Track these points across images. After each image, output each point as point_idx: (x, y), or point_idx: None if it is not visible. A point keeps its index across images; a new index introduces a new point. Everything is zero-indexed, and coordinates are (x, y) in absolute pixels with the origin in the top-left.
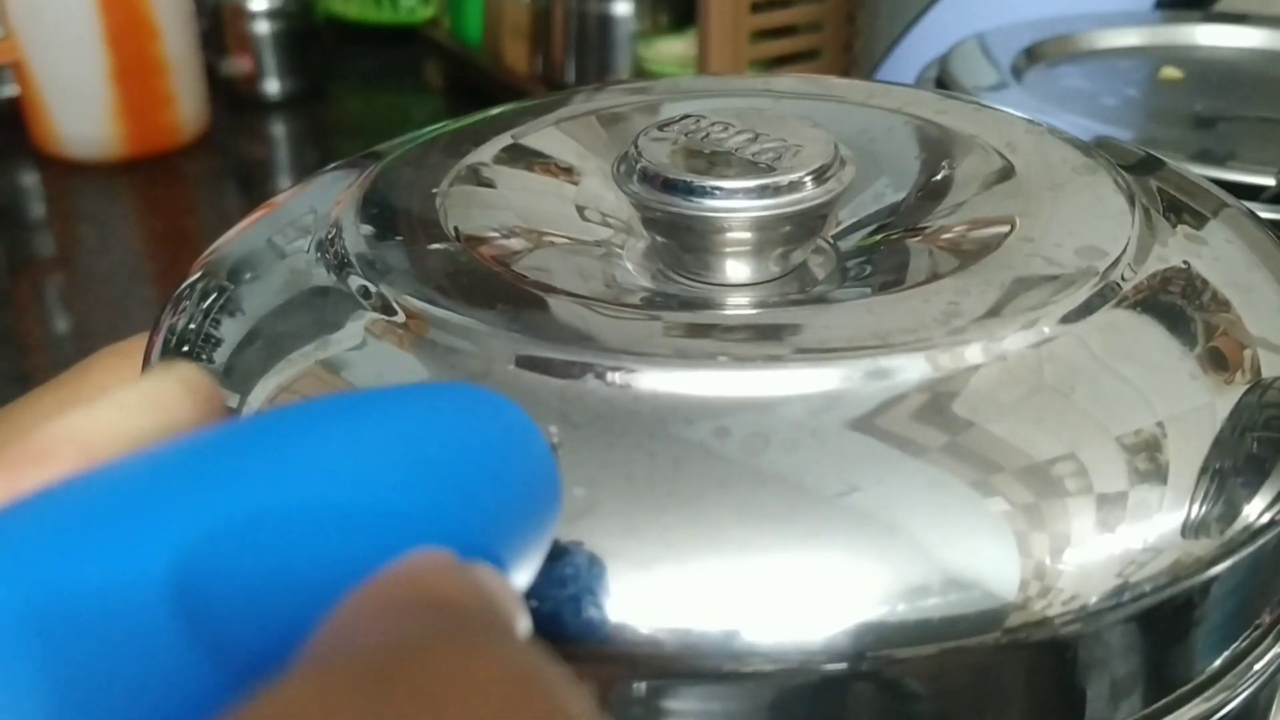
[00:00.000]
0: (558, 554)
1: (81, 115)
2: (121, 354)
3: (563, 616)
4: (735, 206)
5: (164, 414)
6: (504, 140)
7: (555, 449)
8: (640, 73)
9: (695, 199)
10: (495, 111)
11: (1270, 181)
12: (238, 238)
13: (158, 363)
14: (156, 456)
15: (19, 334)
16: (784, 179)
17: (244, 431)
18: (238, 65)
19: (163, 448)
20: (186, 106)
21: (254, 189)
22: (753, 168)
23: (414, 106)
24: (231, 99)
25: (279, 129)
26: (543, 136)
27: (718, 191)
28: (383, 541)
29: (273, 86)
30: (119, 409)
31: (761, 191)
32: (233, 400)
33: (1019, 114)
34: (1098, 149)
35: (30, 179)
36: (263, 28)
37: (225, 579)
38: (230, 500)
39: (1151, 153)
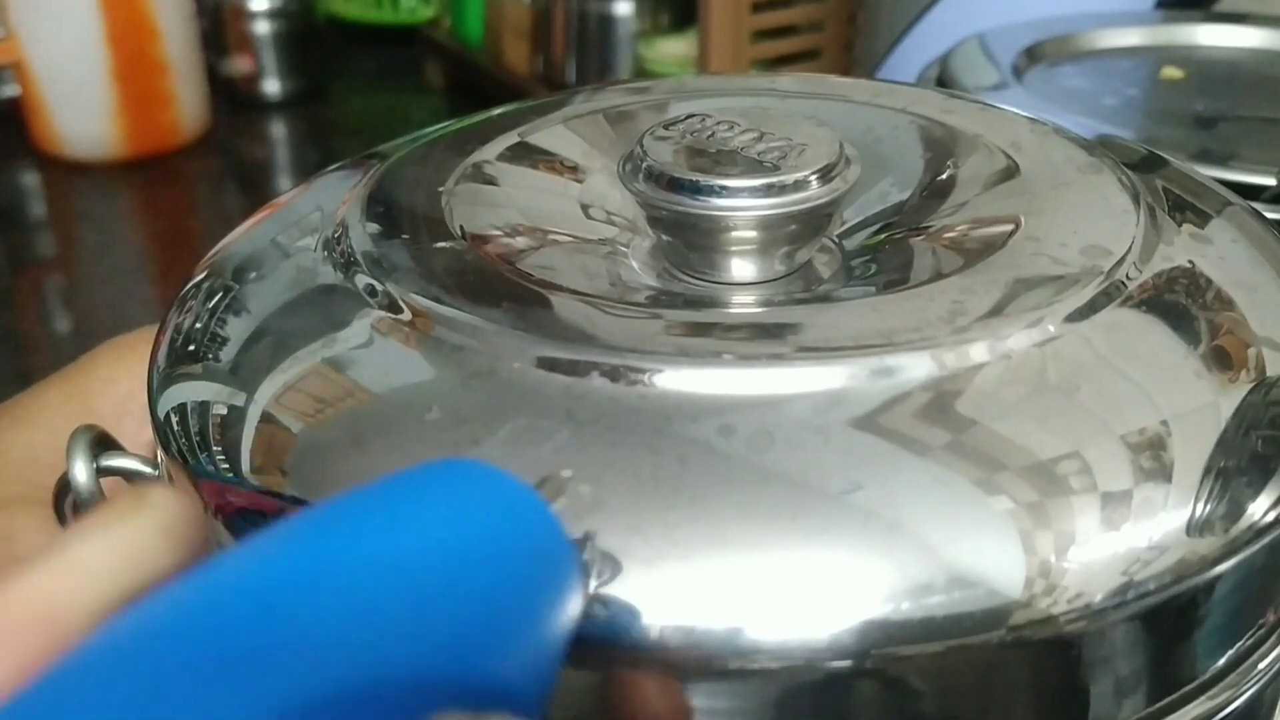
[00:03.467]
0: None
1: (82, 115)
2: (127, 347)
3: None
4: (740, 205)
5: (140, 572)
6: (509, 139)
7: (564, 488)
8: (641, 73)
9: (701, 198)
10: (499, 111)
11: (1271, 181)
12: (241, 238)
13: (130, 490)
14: (148, 635)
15: (19, 334)
16: (789, 178)
17: (243, 593)
18: (238, 65)
19: (151, 620)
20: (187, 106)
21: (254, 189)
22: (758, 166)
23: (414, 106)
24: (232, 99)
25: (279, 129)
26: (548, 135)
27: (723, 190)
28: (406, 700)
29: (273, 86)
30: (90, 575)
31: (767, 190)
32: (239, 398)
33: (1023, 113)
34: (1102, 148)
35: (30, 179)
36: (263, 28)
37: None
38: (252, 687)
39: (1155, 151)
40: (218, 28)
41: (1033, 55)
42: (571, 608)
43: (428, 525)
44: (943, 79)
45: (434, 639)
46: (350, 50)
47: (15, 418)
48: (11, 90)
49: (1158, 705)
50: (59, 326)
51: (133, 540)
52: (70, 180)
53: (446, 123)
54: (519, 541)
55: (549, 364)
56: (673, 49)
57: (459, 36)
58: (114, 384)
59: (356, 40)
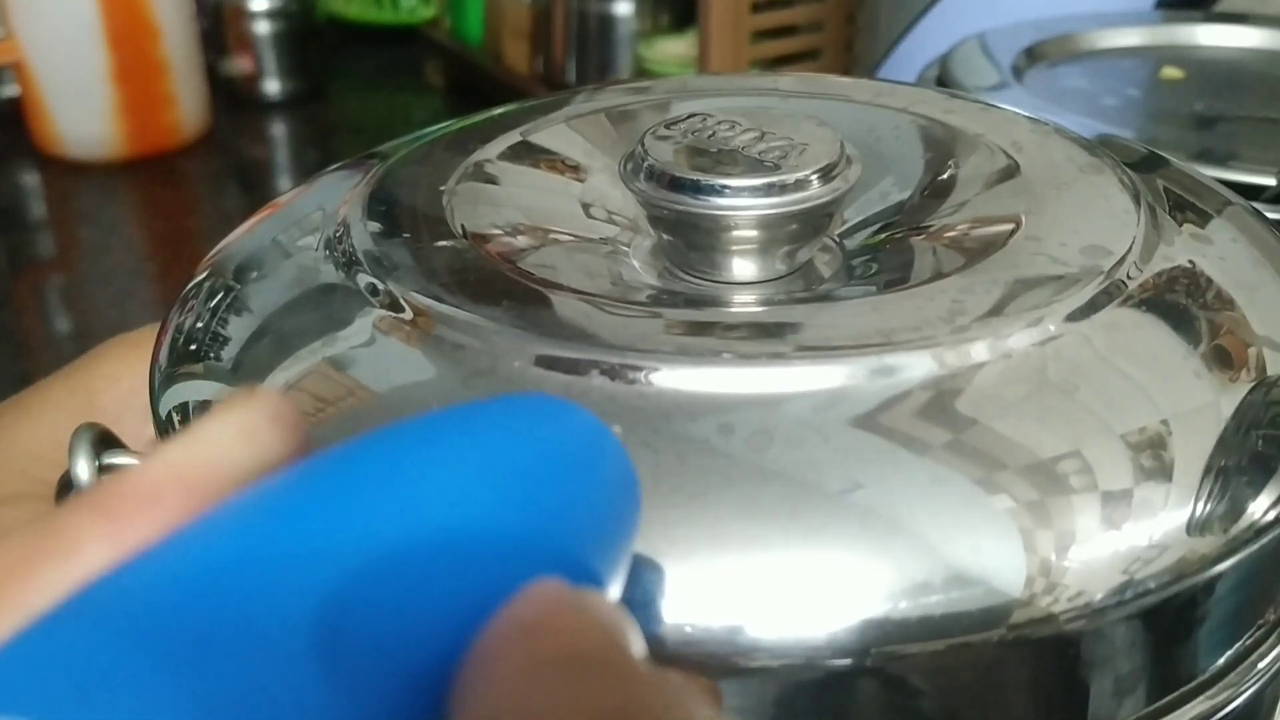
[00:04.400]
0: None
1: (82, 115)
2: (131, 344)
3: None
4: (741, 204)
5: (258, 448)
6: (511, 138)
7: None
8: (641, 73)
9: (702, 197)
10: (500, 110)
11: (1271, 181)
12: (243, 237)
13: (235, 391)
14: (272, 500)
15: (19, 334)
16: (790, 177)
17: (349, 467)
18: (238, 65)
19: (272, 490)
20: (187, 107)
21: (254, 189)
22: (759, 166)
23: (414, 106)
24: (232, 99)
25: (279, 129)
26: (549, 135)
27: (724, 190)
28: (501, 570)
29: (273, 86)
30: (215, 446)
31: (768, 190)
32: None
33: (1024, 113)
34: (1103, 147)
35: (30, 179)
36: (263, 28)
37: (362, 623)
38: (357, 544)
39: (1156, 151)
40: (218, 28)
41: (1033, 55)
42: (635, 518)
43: (511, 433)
44: (943, 79)
45: (522, 522)
46: (350, 50)
47: (18, 414)
48: (11, 90)
49: (1158, 704)
50: (59, 326)
51: (249, 422)
52: (70, 180)
53: (447, 122)
54: (602, 455)
55: (548, 362)
56: (673, 49)
57: (459, 36)
58: (117, 381)
59: (356, 40)
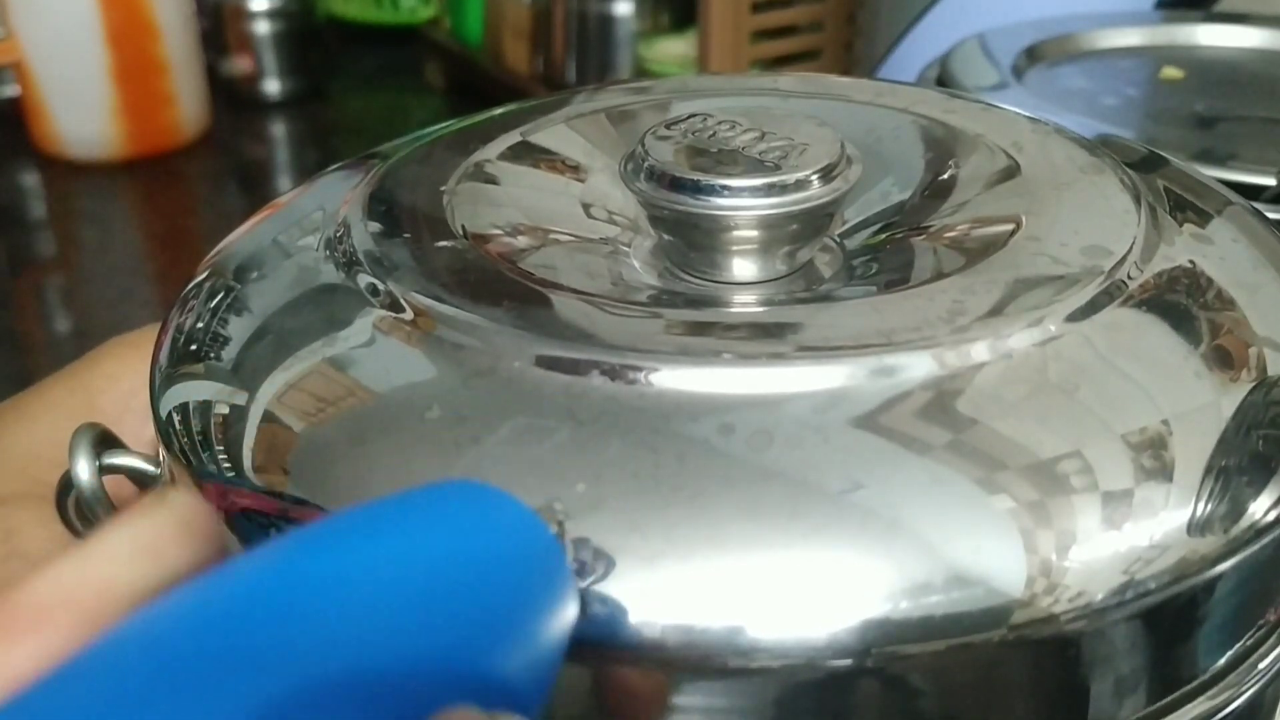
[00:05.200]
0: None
1: (82, 115)
2: (131, 345)
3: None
4: (742, 205)
5: (160, 563)
6: (511, 138)
7: (562, 525)
8: (641, 73)
9: (702, 197)
10: (500, 111)
11: (1271, 181)
12: (243, 237)
13: (151, 493)
14: (169, 628)
15: (19, 334)
16: (790, 177)
17: (256, 590)
18: (238, 65)
19: (172, 615)
20: (187, 106)
21: (255, 189)
22: (759, 166)
23: (414, 106)
24: (232, 99)
25: (279, 129)
26: (550, 135)
27: (724, 190)
28: (417, 697)
29: (273, 86)
30: (112, 562)
31: (768, 190)
32: (241, 398)
33: (1025, 113)
34: (1103, 148)
35: (30, 179)
36: (263, 28)
37: None
38: (269, 681)
39: (1156, 150)
40: (218, 28)
41: (1033, 55)
42: (568, 618)
43: (433, 537)
44: (943, 79)
45: (438, 641)
46: (350, 50)
47: (19, 415)
48: (11, 90)
49: (1158, 704)
50: (59, 326)
51: (153, 535)
52: (70, 180)
53: (448, 122)
54: (518, 554)
55: (549, 363)
56: (673, 49)
57: (459, 36)
58: (117, 381)
59: (356, 40)
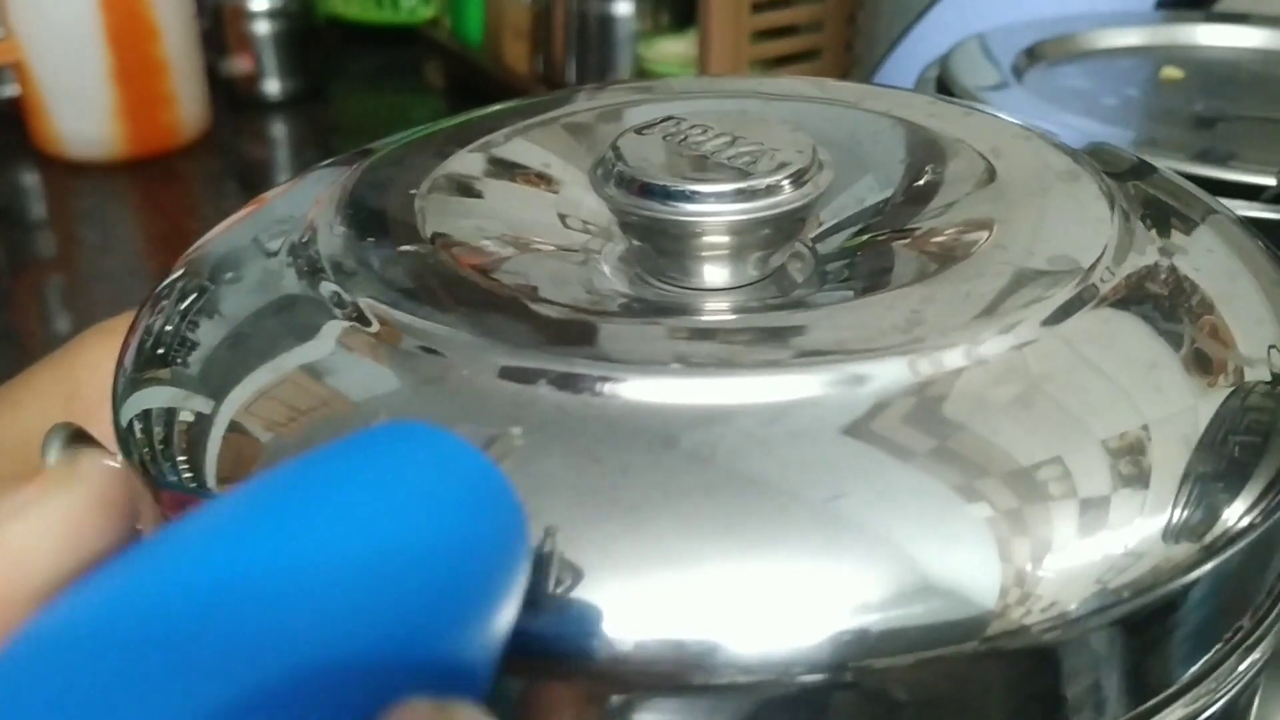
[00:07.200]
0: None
1: (82, 115)
2: (110, 331)
3: (529, 630)
4: (711, 210)
5: (78, 543)
6: (488, 142)
7: (511, 446)
8: (641, 73)
9: (671, 203)
10: (482, 112)
11: (1271, 181)
12: (223, 234)
13: (59, 461)
14: (85, 630)
15: (19, 334)
16: (761, 183)
17: (189, 559)
18: (238, 65)
19: (86, 614)
20: (187, 106)
21: (254, 189)
22: (730, 171)
23: (414, 106)
24: (232, 99)
25: (279, 129)
26: (526, 140)
27: (694, 195)
28: (366, 684)
29: (273, 86)
30: (23, 552)
31: (737, 195)
32: (205, 406)
33: (1013, 119)
34: (1089, 155)
35: (30, 179)
36: (263, 28)
37: None
38: (207, 687)
39: (1144, 159)
40: (218, 28)
41: (1033, 55)
42: (521, 575)
43: (372, 495)
44: (943, 79)
45: (385, 614)
46: (350, 50)
47: (9, 403)
48: (11, 90)
49: (1135, 711)
50: (59, 326)
51: (68, 514)
52: (70, 180)
53: (427, 124)
54: (468, 502)
55: (514, 374)
56: (673, 49)
57: (459, 36)
58: (99, 369)
59: (356, 40)
